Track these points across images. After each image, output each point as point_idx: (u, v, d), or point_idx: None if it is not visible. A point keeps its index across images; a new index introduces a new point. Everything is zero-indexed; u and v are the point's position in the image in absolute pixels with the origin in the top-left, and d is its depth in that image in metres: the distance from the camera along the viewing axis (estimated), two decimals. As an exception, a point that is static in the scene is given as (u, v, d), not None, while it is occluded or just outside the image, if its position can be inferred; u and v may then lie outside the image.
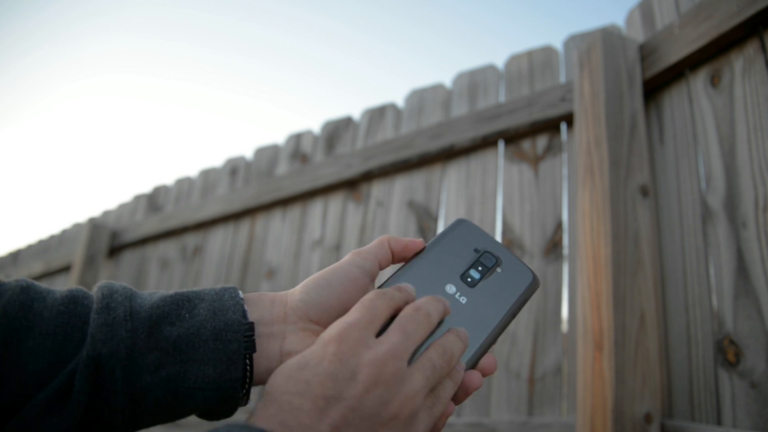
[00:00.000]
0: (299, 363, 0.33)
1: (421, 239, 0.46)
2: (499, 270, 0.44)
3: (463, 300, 0.42)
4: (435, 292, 0.42)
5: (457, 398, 0.39)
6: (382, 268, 0.44)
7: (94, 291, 0.38)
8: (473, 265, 0.45)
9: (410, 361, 0.35)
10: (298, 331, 0.39)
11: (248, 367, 0.37)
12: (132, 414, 0.35)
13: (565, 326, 1.14)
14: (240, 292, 0.40)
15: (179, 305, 0.37)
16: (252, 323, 0.38)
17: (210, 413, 0.38)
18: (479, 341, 0.41)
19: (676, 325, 0.97)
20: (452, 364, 0.36)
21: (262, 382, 0.38)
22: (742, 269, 0.88)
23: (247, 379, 0.38)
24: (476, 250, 0.45)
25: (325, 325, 0.40)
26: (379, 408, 0.32)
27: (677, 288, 0.99)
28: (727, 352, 0.87)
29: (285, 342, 0.39)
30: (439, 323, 0.39)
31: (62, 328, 0.34)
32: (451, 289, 0.43)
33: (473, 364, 0.40)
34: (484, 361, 0.40)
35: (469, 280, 0.44)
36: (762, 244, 0.85)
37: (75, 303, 0.36)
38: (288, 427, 0.30)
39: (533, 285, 0.45)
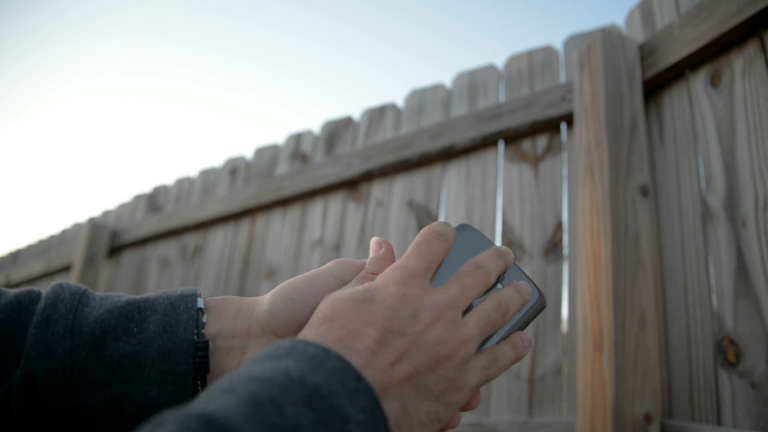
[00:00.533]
0: (364, 296, 0.34)
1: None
2: (499, 286, 0.41)
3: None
4: None
5: (469, 406, 0.38)
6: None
7: (44, 295, 0.35)
8: None
9: (464, 313, 0.36)
10: (261, 345, 0.36)
11: (200, 389, 0.35)
12: (76, 430, 0.33)
13: (565, 326, 1.14)
14: (200, 300, 0.37)
15: (128, 317, 0.35)
16: (205, 342, 0.35)
17: None
18: None
19: (676, 325, 0.97)
20: (507, 318, 0.38)
21: None
22: (742, 269, 0.88)
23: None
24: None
25: (287, 336, 0.37)
26: (437, 347, 0.33)
27: (677, 288, 0.99)
28: (727, 352, 0.87)
29: (245, 356, 0.36)
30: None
31: (2, 340, 0.32)
32: None
33: None
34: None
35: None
36: (762, 244, 0.85)
37: (19, 310, 0.34)
38: (356, 352, 0.31)
39: (539, 304, 0.41)
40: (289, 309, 0.37)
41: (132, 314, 0.35)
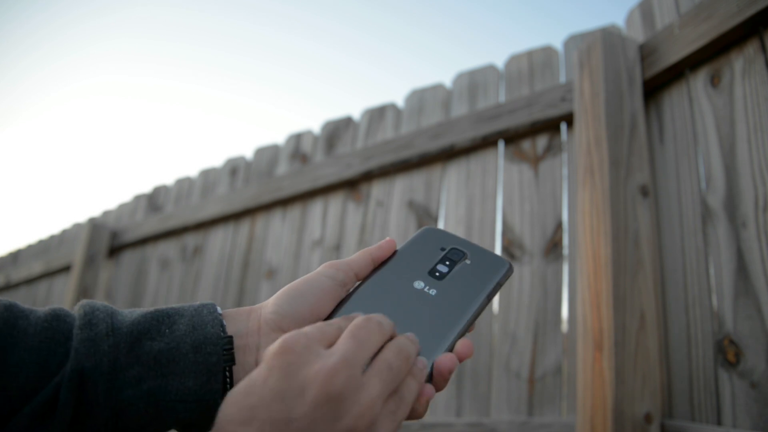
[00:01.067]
0: (245, 386, 0.31)
1: (392, 240, 0.47)
2: (467, 261, 0.46)
3: (433, 292, 0.43)
4: (403, 289, 0.43)
5: (438, 385, 0.38)
6: (359, 277, 0.44)
7: (76, 309, 0.38)
8: (440, 261, 0.46)
9: (365, 370, 0.33)
10: (271, 341, 0.39)
11: (228, 379, 0.38)
12: (114, 427, 0.35)
13: (565, 326, 1.14)
14: (218, 307, 0.41)
15: (159, 321, 0.38)
16: (231, 337, 0.39)
17: (190, 426, 0.38)
18: (452, 328, 0.41)
19: (676, 325, 0.97)
20: (410, 363, 0.35)
21: None
22: (742, 269, 0.88)
23: (227, 391, 0.38)
24: (442, 248, 0.47)
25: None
26: (333, 424, 0.29)
27: (677, 288, 0.99)
28: (727, 352, 0.87)
29: (259, 353, 0.39)
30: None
31: (46, 343, 0.35)
32: (419, 284, 0.44)
33: (450, 349, 0.41)
34: (460, 346, 0.40)
35: (437, 274, 0.45)
36: (762, 244, 0.85)
37: (58, 320, 0.36)
38: None
39: (508, 271, 0.46)
40: (292, 308, 0.40)
41: (162, 318, 0.39)
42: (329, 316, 0.42)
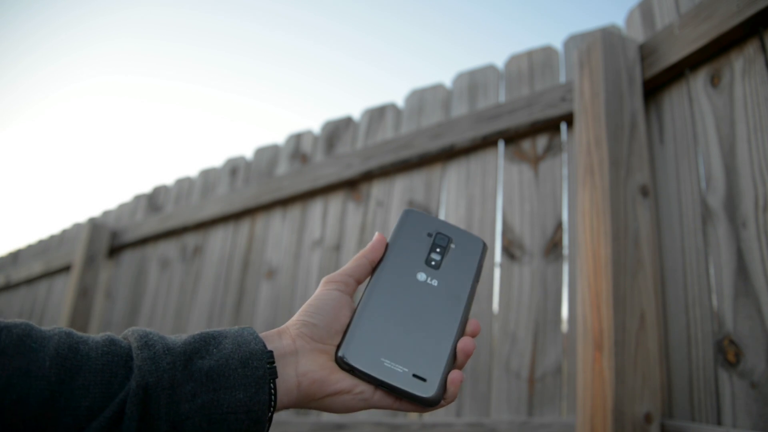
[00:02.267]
0: None
1: (382, 235, 0.51)
2: (453, 246, 0.51)
3: (435, 283, 0.49)
4: (410, 283, 0.48)
5: (459, 363, 0.46)
6: (360, 281, 0.49)
7: (127, 334, 0.42)
8: (431, 249, 0.50)
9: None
10: (308, 352, 0.44)
11: (273, 392, 0.42)
12: None
13: (565, 326, 1.14)
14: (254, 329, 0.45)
15: (207, 342, 0.42)
16: (272, 351, 0.43)
17: None
18: (460, 312, 0.47)
19: (676, 325, 0.97)
20: None
21: (283, 404, 0.43)
22: (742, 269, 0.88)
23: (273, 403, 0.42)
24: (429, 234, 0.51)
25: (327, 342, 0.45)
26: None
27: (677, 288, 0.99)
28: (727, 352, 0.87)
29: (299, 365, 0.44)
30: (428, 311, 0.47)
31: (108, 366, 0.38)
32: (421, 276, 0.49)
33: (462, 332, 0.47)
34: (470, 326, 0.48)
35: (432, 263, 0.50)
36: (762, 244, 0.85)
37: (114, 344, 0.40)
38: None
39: (485, 249, 0.52)
40: (317, 320, 0.46)
41: (209, 339, 0.42)
42: (349, 324, 0.46)
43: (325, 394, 0.44)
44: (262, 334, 0.45)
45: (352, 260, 0.49)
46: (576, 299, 1.09)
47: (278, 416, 1.54)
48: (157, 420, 0.38)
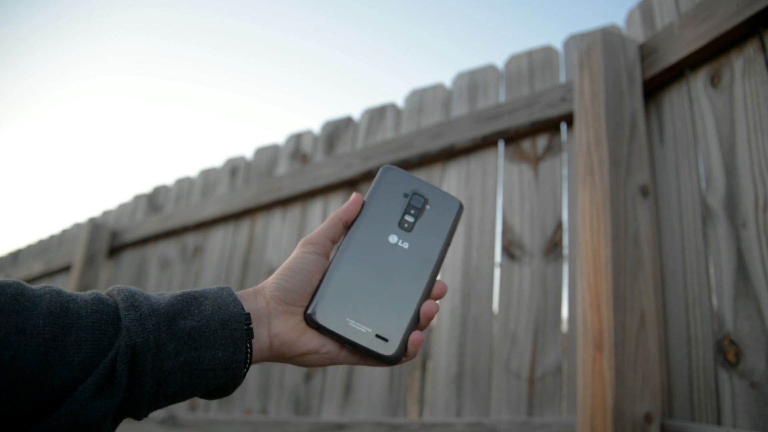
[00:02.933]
0: None
1: (359, 195, 0.51)
2: (428, 207, 0.52)
3: (406, 245, 0.50)
4: (381, 245, 0.50)
5: (422, 325, 0.49)
6: (335, 241, 0.51)
7: (113, 292, 0.44)
8: (406, 210, 0.51)
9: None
10: (280, 314, 0.48)
11: (249, 351, 0.45)
12: (156, 394, 0.42)
13: (565, 326, 1.14)
14: (232, 289, 0.48)
15: (189, 302, 0.45)
16: (249, 314, 0.46)
17: (215, 392, 0.46)
18: (427, 276, 0.49)
19: (676, 325, 0.97)
20: None
21: (255, 360, 0.47)
22: (742, 269, 0.88)
23: (248, 360, 0.45)
24: (405, 195, 0.52)
25: (299, 305, 0.48)
26: None
27: (677, 288, 0.99)
28: (727, 352, 0.87)
29: (271, 326, 0.47)
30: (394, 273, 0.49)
31: (98, 324, 0.40)
32: (393, 238, 0.50)
33: (427, 296, 0.49)
34: (436, 289, 0.50)
35: (405, 225, 0.51)
36: (762, 244, 0.85)
37: (102, 303, 0.42)
38: None
39: (460, 210, 0.52)
40: (290, 284, 0.48)
41: (190, 300, 0.45)
42: (319, 284, 0.48)
43: (294, 354, 0.47)
44: (238, 293, 0.48)
45: (327, 220, 0.51)
46: (576, 299, 1.09)
47: (278, 416, 1.54)
48: (144, 376, 0.40)
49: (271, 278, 0.49)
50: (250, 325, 0.45)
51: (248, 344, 0.45)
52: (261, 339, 0.46)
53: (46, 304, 0.39)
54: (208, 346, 0.43)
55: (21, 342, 0.37)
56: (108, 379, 0.39)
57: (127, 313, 0.42)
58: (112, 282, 2.34)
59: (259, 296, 0.48)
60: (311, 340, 0.48)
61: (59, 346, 0.38)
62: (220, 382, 0.44)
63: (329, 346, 0.48)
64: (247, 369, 0.46)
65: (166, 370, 0.42)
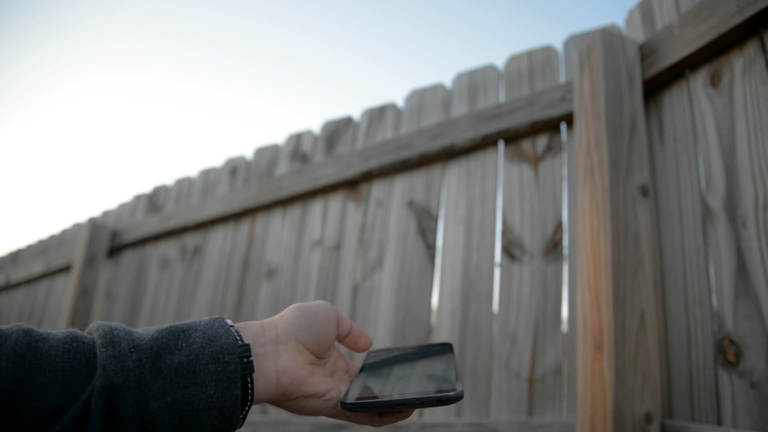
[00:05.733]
0: None
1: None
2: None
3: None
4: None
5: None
6: (339, 329, 0.50)
7: (92, 329, 0.40)
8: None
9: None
10: (290, 350, 0.44)
11: (250, 386, 0.41)
12: None
13: (565, 326, 1.14)
14: (228, 321, 0.44)
15: (176, 336, 0.41)
16: (247, 345, 0.42)
17: None
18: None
19: (676, 325, 0.97)
20: None
21: (260, 399, 0.42)
22: (742, 269, 0.88)
23: (249, 398, 0.41)
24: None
25: (311, 348, 0.46)
26: None
27: (677, 288, 0.99)
28: (727, 352, 0.87)
29: (279, 360, 0.43)
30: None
31: (69, 364, 0.37)
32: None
33: None
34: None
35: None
36: (762, 244, 0.85)
37: (76, 341, 0.38)
38: None
39: (456, 396, 0.46)
40: (308, 322, 0.46)
41: (177, 333, 0.41)
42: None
43: (301, 394, 0.44)
44: (239, 325, 0.44)
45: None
46: (576, 299, 1.09)
47: (278, 416, 1.54)
48: (125, 420, 0.37)
49: (288, 313, 0.47)
50: (249, 358, 0.41)
51: (249, 379, 0.41)
52: (268, 373, 0.42)
53: (11, 344, 0.36)
54: (198, 383, 0.39)
55: None
56: (79, 424, 0.35)
57: (104, 350, 0.38)
58: (113, 282, 2.34)
59: (269, 328, 0.45)
60: (320, 383, 0.45)
61: (25, 390, 0.35)
62: (215, 423, 0.39)
63: (334, 392, 0.45)
64: (248, 407, 0.42)
65: (151, 412, 0.37)
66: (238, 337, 0.42)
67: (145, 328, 0.42)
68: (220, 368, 0.40)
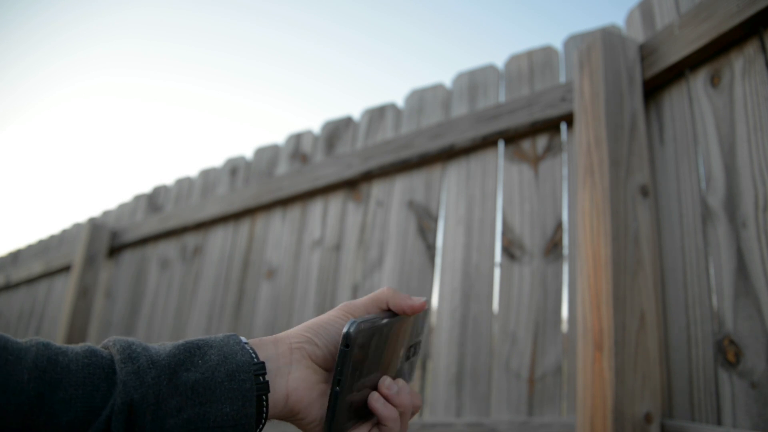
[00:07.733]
0: None
1: (424, 300, 0.50)
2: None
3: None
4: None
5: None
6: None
7: (108, 344, 0.41)
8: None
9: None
10: (302, 368, 0.44)
11: (265, 404, 0.41)
12: None
13: (565, 326, 1.14)
14: (243, 338, 0.44)
15: (191, 353, 0.41)
16: (263, 363, 0.42)
17: None
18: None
19: (676, 325, 0.97)
20: None
21: (270, 416, 0.43)
22: (742, 269, 0.88)
23: (264, 415, 0.42)
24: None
25: (324, 365, 0.46)
26: None
27: (677, 288, 0.99)
28: (727, 352, 0.87)
29: (290, 377, 0.43)
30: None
31: (90, 379, 0.37)
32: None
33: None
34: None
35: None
36: (762, 244, 0.85)
37: (95, 355, 0.38)
38: None
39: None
40: (321, 340, 0.46)
41: (193, 350, 0.41)
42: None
43: (306, 415, 0.44)
44: (254, 341, 0.44)
45: (374, 295, 0.49)
46: (576, 299, 1.09)
47: (278, 416, 1.54)
48: None
49: (300, 328, 0.46)
50: (265, 377, 0.42)
51: (264, 398, 0.41)
52: (278, 390, 0.42)
53: (32, 357, 0.36)
54: (214, 401, 0.39)
55: (2, 400, 0.33)
56: None
57: (124, 365, 0.38)
58: (113, 282, 2.34)
59: (281, 344, 0.45)
60: (318, 411, 0.44)
61: (45, 405, 0.35)
62: None
63: (318, 424, 0.45)
64: (263, 425, 0.42)
65: (168, 429, 0.38)
66: (253, 354, 0.42)
67: (161, 343, 0.42)
68: (236, 386, 0.40)
